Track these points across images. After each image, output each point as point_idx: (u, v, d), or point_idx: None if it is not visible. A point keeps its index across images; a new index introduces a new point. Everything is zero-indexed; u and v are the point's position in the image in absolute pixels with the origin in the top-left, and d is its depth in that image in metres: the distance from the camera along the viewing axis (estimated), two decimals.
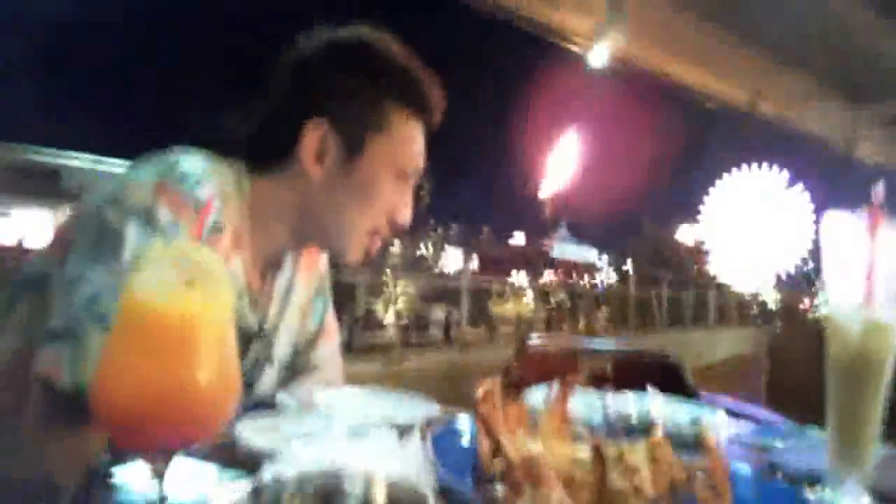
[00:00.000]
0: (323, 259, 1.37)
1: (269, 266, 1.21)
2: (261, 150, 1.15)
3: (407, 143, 1.14)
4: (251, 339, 1.19)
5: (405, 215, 1.17)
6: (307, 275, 1.32)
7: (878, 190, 0.78)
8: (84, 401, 0.58)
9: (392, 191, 1.14)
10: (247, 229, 1.13)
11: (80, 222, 1.01)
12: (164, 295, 0.59)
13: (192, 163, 1.03)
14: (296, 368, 1.33)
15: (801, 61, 10.85)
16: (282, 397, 1.32)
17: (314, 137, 1.10)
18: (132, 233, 0.93)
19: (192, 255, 0.62)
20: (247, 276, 1.15)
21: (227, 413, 0.62)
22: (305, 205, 1.14)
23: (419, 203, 1.22)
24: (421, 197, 1.21)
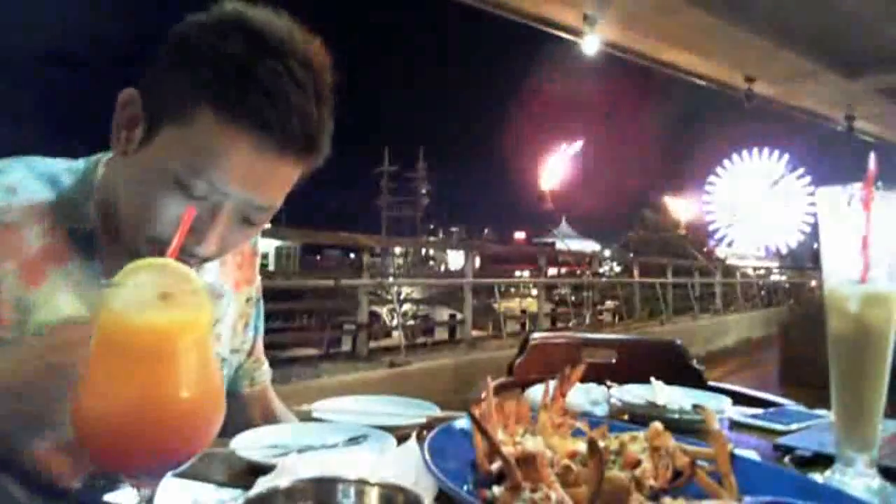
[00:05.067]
0: (255, 263, 1.28)
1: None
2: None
3: (206, 153, 0.87)
4: None
5: (191, 243, 0.89)
6: (236, 273, 1.24)
7: (871, 162, 0.77)
8: None
9: (171, 201, 0.89)
10: (94, 229, 1.00)
11: None
12: (139, 310, 0.57)
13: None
14: (244, 392, 1.29)
15: (794, 39, 10.83)
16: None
17: (123, 104, 0.94)
18: None
19: (169, 268, 0.61)
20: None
21: (213, 428, 0.61)
22: (115, 183, 0.99)
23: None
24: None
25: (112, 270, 0.95)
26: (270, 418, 1.29)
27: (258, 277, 1.30)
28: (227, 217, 0.91)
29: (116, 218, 0.97)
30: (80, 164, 1.05)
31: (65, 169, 1.03)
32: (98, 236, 1.00)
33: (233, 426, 0.94)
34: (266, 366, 1.33)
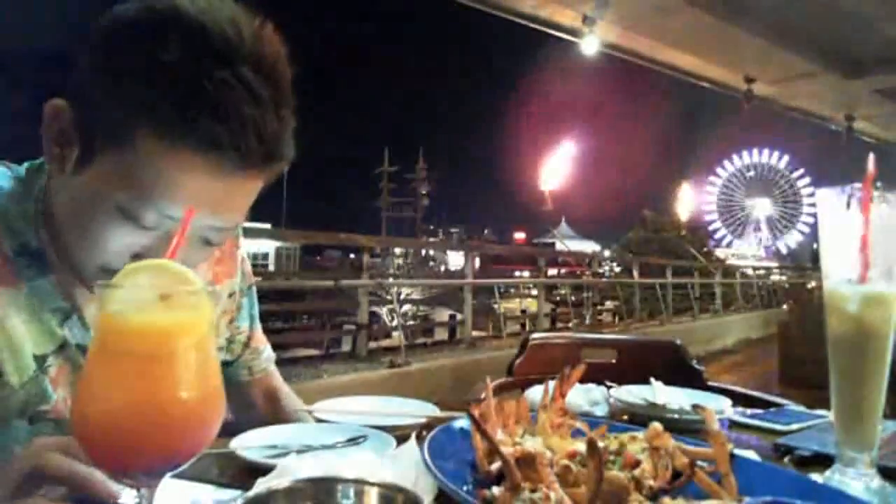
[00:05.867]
0: (242, 253, 1.22)
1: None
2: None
3: (152, 180, 0.77)
4: None
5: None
6: (214, 268, 1.16)
7: (870, 163, 0.77)
8: None
9: (119, 232, 0.80)
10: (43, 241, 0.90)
11: None
12: (139, 311, 0.57)
13: None
14: (244, 381, 1.26)
15: (794, 39, 10.83)
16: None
17: (50, 117, 0.82)
18: None
19: (168, 269, 0.61)
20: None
21: (212, 429, 0.60)
22: (58, 199, 0.88)
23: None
24: None
25: (65, 289, 0.92)
26: (273, 400, 1.28)
27: (247, 268, 1.24)
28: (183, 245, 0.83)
29: (62, 236, 0.88)
30: (21, 169, 0.94)
31: (2, 175, 0.92)
32: (46, 251, 0.90)
33: (234, 411, 0.90)
34: (266, 353, 1.29)
